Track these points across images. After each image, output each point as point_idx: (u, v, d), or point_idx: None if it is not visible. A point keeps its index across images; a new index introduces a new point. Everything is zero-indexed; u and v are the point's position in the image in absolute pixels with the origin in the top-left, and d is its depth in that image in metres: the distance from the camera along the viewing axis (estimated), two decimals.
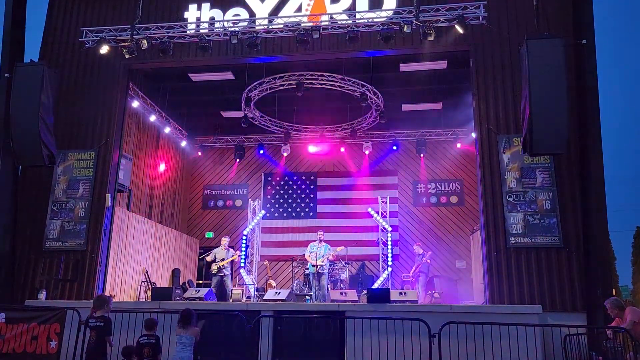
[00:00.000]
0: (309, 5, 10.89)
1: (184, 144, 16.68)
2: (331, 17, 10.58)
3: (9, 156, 10.34)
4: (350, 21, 10.29)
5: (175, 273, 14.94)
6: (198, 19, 11.16)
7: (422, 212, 16.35)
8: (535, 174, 9.56)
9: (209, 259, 12.09)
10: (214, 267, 11.90)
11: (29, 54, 11.36)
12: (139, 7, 10.66)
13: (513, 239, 9.31)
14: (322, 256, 11.54)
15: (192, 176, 17.91)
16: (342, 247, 12.60)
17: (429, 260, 13.32)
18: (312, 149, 16.76)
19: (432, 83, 13.75)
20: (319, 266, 11.49)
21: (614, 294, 10.55)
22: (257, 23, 10.67)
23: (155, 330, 6.70)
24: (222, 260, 11.91)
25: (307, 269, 13.00)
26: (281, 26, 10.50)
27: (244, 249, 15.54)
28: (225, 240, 12.33)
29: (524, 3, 10.17)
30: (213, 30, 10.75)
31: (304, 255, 12.27)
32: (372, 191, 16.48)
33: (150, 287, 12.71)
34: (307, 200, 17.03)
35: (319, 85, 13.45)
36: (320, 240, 11.86)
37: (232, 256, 12.25)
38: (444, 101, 14.73)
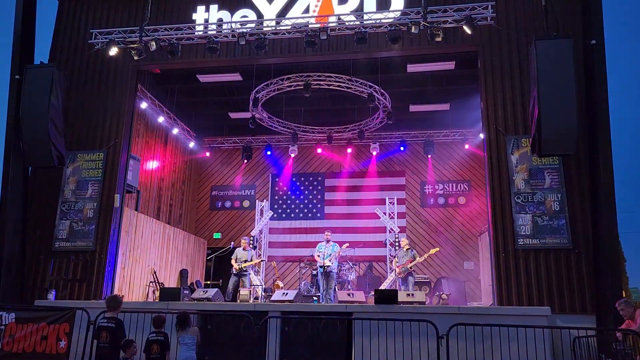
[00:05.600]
0: (316, 6, 10.88)
1: (192, 144, 16.77)
2: (339, 18, 10.58)
3: (19, 157, 10.42)
4: (357, 22, 10.28)
5: (183, 273, 15.00)
6: (206, 20, 11.20)
7: (430, 213, 16.31)
8: (543, 175, 9.48)
9: (233, 262, 11.89)
10: (237, 267, 11.82)
11: (38, 56, 11.45)
12: (147, 9, 10.77)
13: (522, 240, 9.24)
14: (329, 255, 11.51)
15: (200, 177, 17.97)
16: (347, 244, 12.35)
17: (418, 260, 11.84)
18: (319, 150, 16.77)
19: (439, 84, 13.72)
20: (327, 266, 11.47)
21: (624, 295, 10.46)
22: (264, 24, 10.69)
23: (163, 327, 6.72)
24: (245, 261, 11.83)
25: (315, 269, 12.99)
26: (289, 27, 10.53)
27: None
28: (244, 242, 12.31)
29: (533, 3, 10.11)
30: (221, 31, 10.79)
31: (312, 256, 12.24)
32: (380, 192, 16.47)
33: (158, 287, 12.77)
34: (315, 201, 17.04)
35: (327, 86, 13.47)
36: (328, 241, 11.82)
37: (254, 260, 12.11)
38: (451, 102, 14.69)
